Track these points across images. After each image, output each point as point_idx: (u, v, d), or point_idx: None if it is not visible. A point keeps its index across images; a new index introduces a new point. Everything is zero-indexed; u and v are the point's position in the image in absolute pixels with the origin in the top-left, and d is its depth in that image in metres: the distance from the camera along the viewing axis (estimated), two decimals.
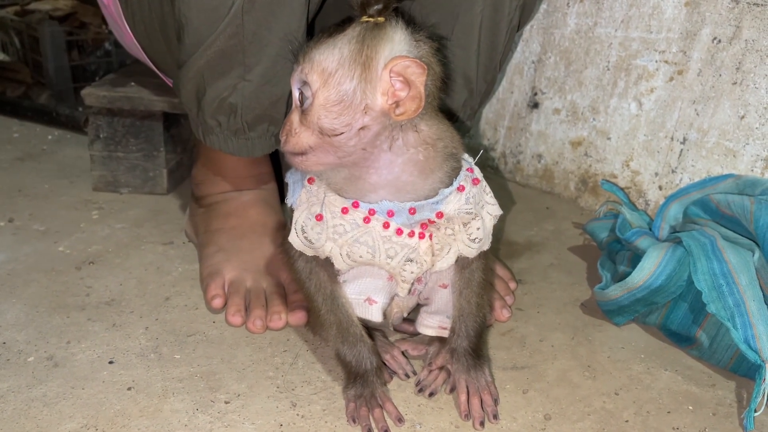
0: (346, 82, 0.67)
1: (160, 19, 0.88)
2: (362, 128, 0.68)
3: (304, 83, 0.69)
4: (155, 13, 0.89)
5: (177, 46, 0.85)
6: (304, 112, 0.69)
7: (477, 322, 0.81)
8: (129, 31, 0.99)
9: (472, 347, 0.81)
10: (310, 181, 0.77)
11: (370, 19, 0.68)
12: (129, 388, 0.78)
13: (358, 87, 0.67)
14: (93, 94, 1.18)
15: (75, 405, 0.75)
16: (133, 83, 1.22)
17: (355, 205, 0.74)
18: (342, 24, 0.70)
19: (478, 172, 0.78)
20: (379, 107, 0.68)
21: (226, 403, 0.77)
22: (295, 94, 0.71)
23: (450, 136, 0.75)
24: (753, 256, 0.89)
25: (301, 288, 0.83)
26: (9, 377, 0.79)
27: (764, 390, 0.78)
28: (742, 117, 1.07)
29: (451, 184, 0.75)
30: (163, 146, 1.24)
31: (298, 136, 0.70)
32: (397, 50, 0.67)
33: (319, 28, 0.91)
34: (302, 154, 0.71)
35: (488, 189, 0.80)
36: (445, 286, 0.83)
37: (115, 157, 1.24)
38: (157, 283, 0.99)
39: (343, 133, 0.68)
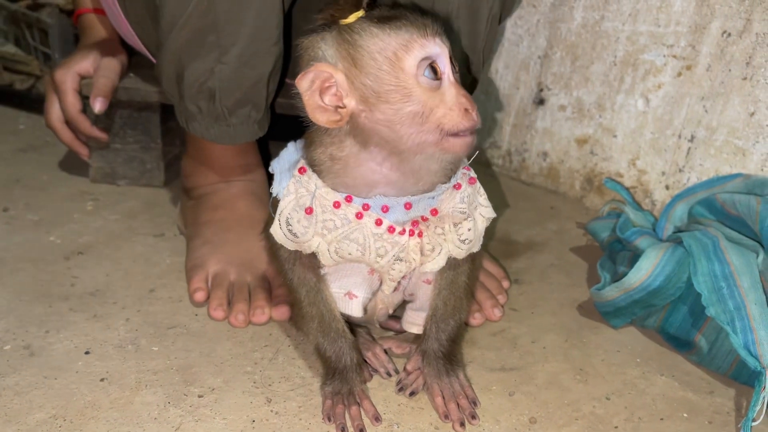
0: None
1: (147, 1, 0.87)
2: None
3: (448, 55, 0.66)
4: None
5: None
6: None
7: (450, 325, 0.78)
8: (124, 18, 0.98)
9: (443, 351, 0.78)
10: (302, 171, 0.74)
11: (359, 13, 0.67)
12: (102, 379, 0.77)
13: None
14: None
15: (46, 395, 0.74)
16: (131, 74, 1.21)
17: (348, 199, 0.71)
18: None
19: (473, 172, 0.76)
20: None
21: (200, 397, 0.75)
22: (448, 63, 0.66)
23: None
24: (757, 257, 0.85)
25: (284, 279, 0.80)
26: None
27: (764, 398, 0.74)
28: (752, 114, 1.02)
29: (448, 180, 0.72)
30: (160, 138, 1.23)
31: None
32: None
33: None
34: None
35: (482, 191, 0.77)
36: (428, 282, 0.80)
37: (112, 149, 1.23)
38: (143, 274, 0.98)
39: None
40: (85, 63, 1.12)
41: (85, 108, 1.18)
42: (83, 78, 1.14)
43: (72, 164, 1.33)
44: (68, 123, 1.16)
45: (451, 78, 0.66)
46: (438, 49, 0.65)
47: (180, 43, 0.81)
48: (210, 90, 0.83)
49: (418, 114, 0.64)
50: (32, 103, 1.62)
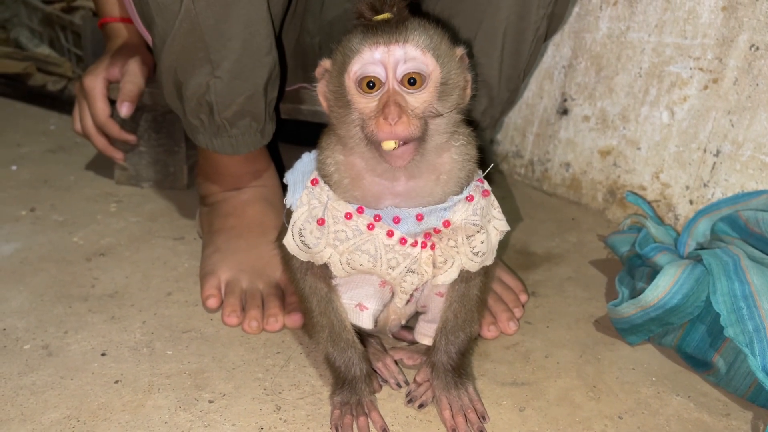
0: (451, 61, 0.67)
1: None
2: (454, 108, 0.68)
3: (408, 61, 0.64)
4: None
5: None
6: (411, 94, 0.65)
7: (460, 338, 0.78)
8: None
9: (452, 364, 0.77)
10: (314, 182, 0.75)
11: (384, 16, 0.65)
12: (116, 381, 0.78)
13: (456, 66, 0.67)
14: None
15: (61, 395, 0.75)
16: (155, 79, 1.23)
17: (360, 210, 0.71)
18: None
19: (487, 185, 0.75)
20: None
21: (210, 402, 0.76)
22: (390, 74, 0.64)
23: (471, 142, 0.74)
24: None
25: (296, 288, 0.81)
26: (3, 364, 0.79)
27: None
28: None
29: (461, 191, 0.72)
30: (183, 142, 1.25)
31: (414, 121, 0.64)
32: None
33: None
34: (407, 143, 0.65)
35: (496, 203, 0.77)
36: (441, 295, 0.80)
37: (137, 152, 1.25)
38: (161, 277, 0.99)
39: (441, 115, 0.66)
40: (112, 69, 1.14)
41: (112, 112, 1.21)
42: (111, 83, 1.16)
43: (98, 165, 1.35)
44: (97, 128, 1.18)
45: (393, 86, 0.64)
46: (378, 57, 0.64)
47: (172, 59, 0.83)
48: (208, 103, 0.85)
49: (356, 120, 0.66)
50: (64, 104, 1.65)
